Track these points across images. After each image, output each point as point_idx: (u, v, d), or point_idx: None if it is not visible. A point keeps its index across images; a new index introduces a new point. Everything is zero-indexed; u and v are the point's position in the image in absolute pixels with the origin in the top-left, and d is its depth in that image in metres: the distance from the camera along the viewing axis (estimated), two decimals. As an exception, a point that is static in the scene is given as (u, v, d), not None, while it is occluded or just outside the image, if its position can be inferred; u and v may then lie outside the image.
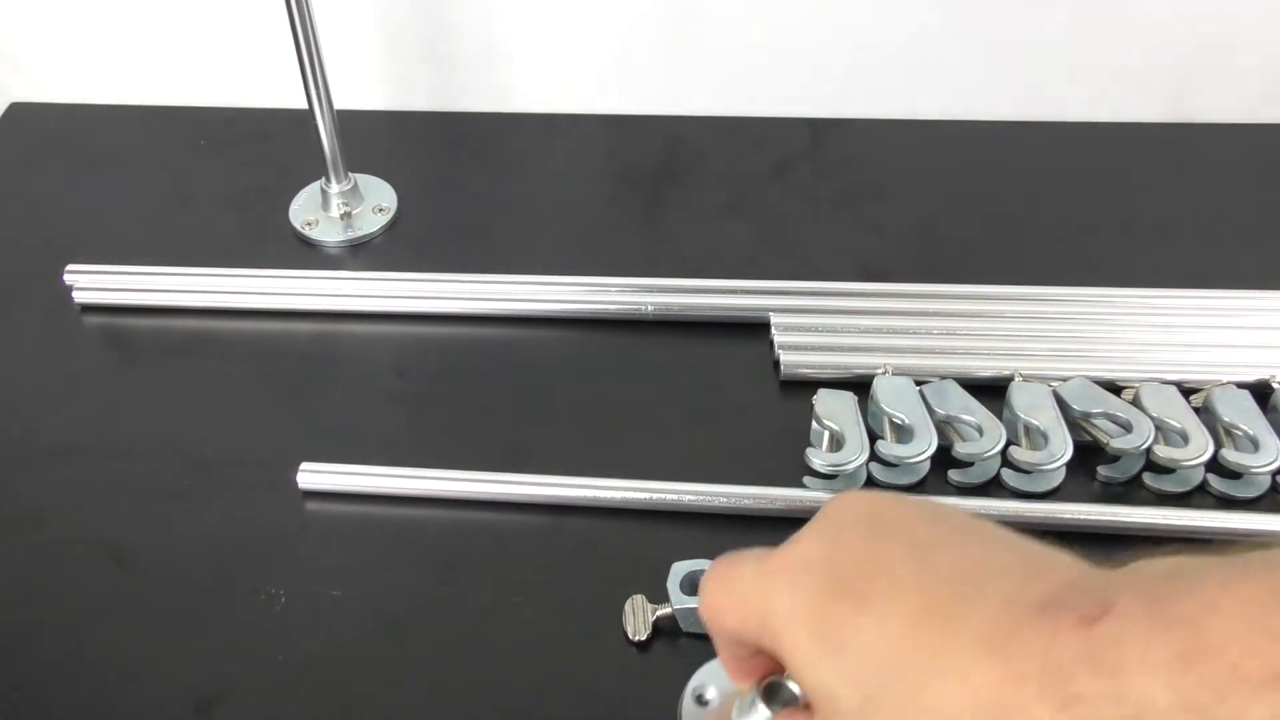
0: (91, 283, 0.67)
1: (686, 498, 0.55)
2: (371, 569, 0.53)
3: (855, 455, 0.55)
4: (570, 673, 0.49)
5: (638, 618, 0.50)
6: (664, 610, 0.50)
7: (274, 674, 0.50)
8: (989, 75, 0.79)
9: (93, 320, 0.67)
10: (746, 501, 0.55)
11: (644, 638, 0.49)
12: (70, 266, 0.68)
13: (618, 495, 0.55)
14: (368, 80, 0.82)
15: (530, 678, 0.49)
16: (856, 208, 0.74)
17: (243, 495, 0.57)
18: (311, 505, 0.56)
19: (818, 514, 0.35)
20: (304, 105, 0.68)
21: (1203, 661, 0.24)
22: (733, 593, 0.34)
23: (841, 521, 0.33)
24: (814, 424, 0.57)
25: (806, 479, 0.56)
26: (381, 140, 0.80)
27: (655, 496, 0.55)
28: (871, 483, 0.56)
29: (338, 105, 0.69)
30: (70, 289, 0.67)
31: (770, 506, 0.54)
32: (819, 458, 0.55)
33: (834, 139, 0.79)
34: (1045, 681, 0.26)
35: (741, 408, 0.61)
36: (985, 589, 0.29)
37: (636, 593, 0.51)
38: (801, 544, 0.33)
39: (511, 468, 0.57)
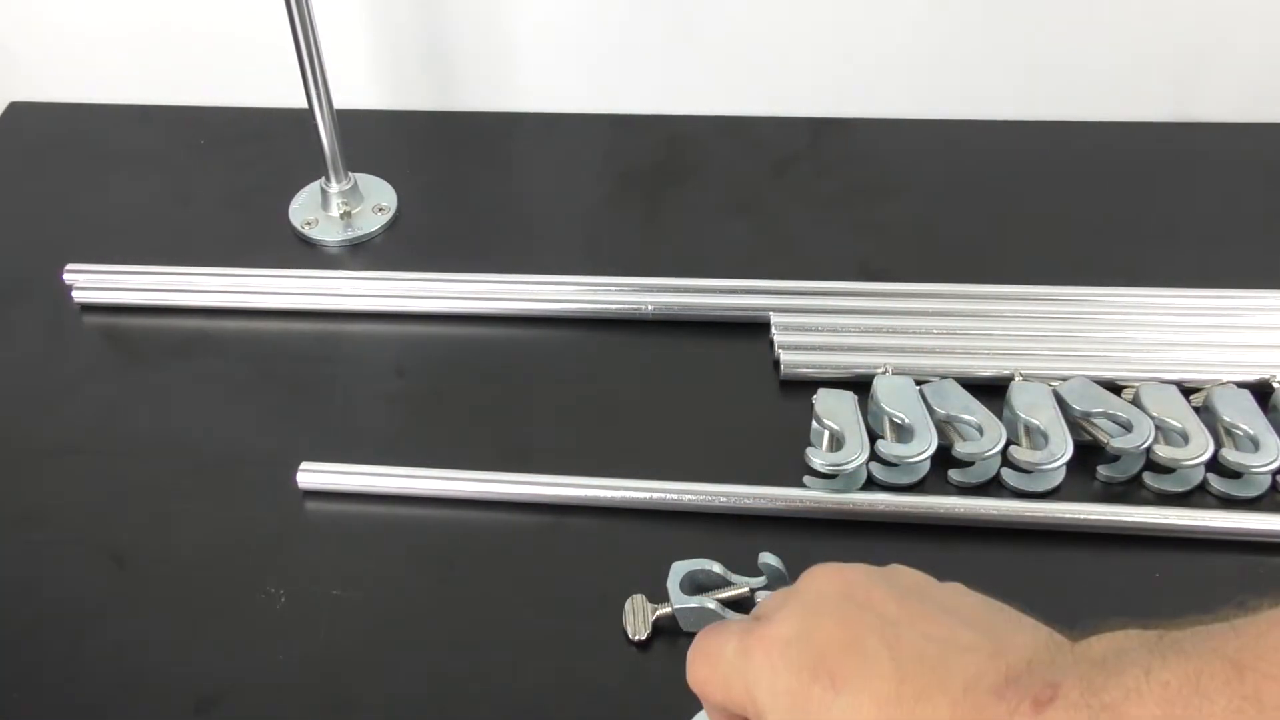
0: (91, 282, 0.67)
1: (686, 498, 0.55)
2: (371, 569, 0.53)
3: (855, 455, 0.55)
4: (570, 672, 0.49)
5: (638, 617, 0.50)
6: (664, 610, 0.50)
7: (274, 674, 0.49)
8: (989, 75, 0.79)
9: (93, 320, 0.67)
10: (746, 501, 0.55)
11: (644, 637, 0.49)
12: (70, 266, 0.68)
13: (618, 495, 0.55)
14: (368, 80, 0.82)
15: (530, 677, 0.49)
16: (856, 208, 0.74)
17: (243, 495, 0.57)
18: (311, 505, 0.56)
19: (793, 589, 0.37)
20: (304, 105, 0.68)
21: None
22: (716, 670, 0.36)
23: (816, 600, 0.35)
24: (814, 423, 0.57)
25: (806, 479, 0.56)
26: (381, 140, 0.80)
27: (655, 496, 0.55)
28: (871, 482, 0.56)
29: (338, 105, 0.69)
30: (70, 289, 0.67)
31: (770, 506, 0.54)
32: (819, 457, 0.55)
33: (834, 139, 0.79)
34: None
35: (741, 408, 0.61)
36: (950, 670, 0.31)
37: (637, 592, 0.51)
38: (777, 624, 0.35)
39: (511, 468, 0.57)
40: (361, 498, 0.56)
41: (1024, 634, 0.32)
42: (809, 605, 0.35)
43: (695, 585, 0.50)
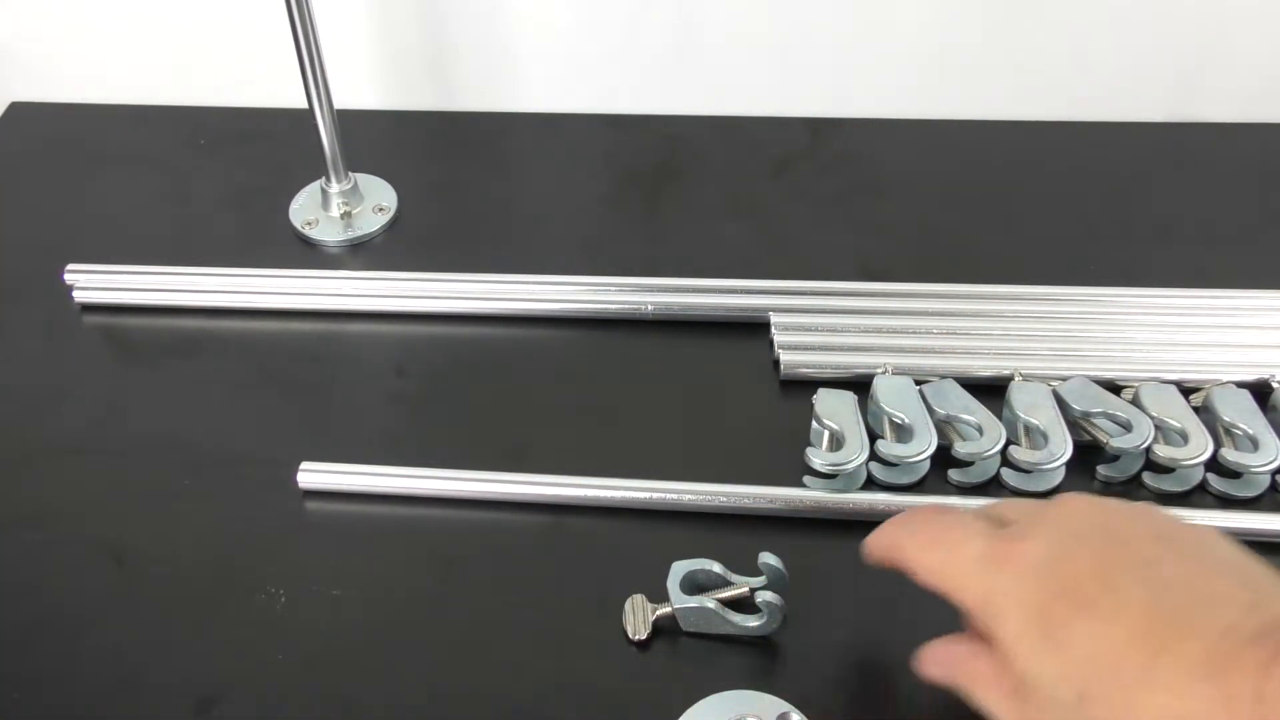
0: (91, 282, 0.68)
1: (686, 497, 0.55)
2: (371, 569, 0.53)
3: (855, 455, 0.55)
4: (570, 672, 0.49)
5: (637, 617, 0.50)
6: (664, 610, 0.50)
7: (274, 674, 0.49)
8: (989, 75, 0.79)
9: (93, 320, 0.67)
10: (746, 501, 0.55)
11: (644, 637, 0.49)
12: (70, 266, 0.68)
13: (618, 495, 0.55)
14: (368, 80, 0.82)
15: (530, 677, 0.49)
16: (856, 208, 0.74)
17: (243, 495, 0.57)
18: (311, 504, 0.56)
19: (1045, 510, 0.37)
20: (304, 105, 0.68)
21: None
22: (955, 564, 0.38)
23: (1074, 529, 0.36)
24: (814, 423, 0.57)
25: (806, 478, 0.56)
26: (381, 140, 0.80)
27: (655, 496, 0.55)
28: (871, 482, 0.56)
29: (338, 105, 0.69)
30: (70, 289, 0.67)
31: (770, 506, 0.54)
32: (819, 457, 0.55)
33: (834, 139, 0.79)
34: (1253, 708, 0.29)
35: (741, 407, 0.61)
36: (1207, 614, 0.31)
37: (637, 592, 0.51)
38: (1031, 542, 0.36)
39: (511, 468, 0.57)
40: (361, 497, 0.56)
41: None
42: (1065, 530, 0.36)
43: (695, 585, 0.50)
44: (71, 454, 0.59)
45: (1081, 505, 0.37)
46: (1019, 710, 0.36)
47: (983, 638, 0.37)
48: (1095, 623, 0.33)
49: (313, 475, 0.56)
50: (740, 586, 0.50)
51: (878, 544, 0.43)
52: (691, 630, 0.50)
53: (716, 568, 0.50)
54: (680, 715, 0.46)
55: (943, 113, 0.81)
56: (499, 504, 0.56)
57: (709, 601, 0.49)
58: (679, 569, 0.50)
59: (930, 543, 0.39)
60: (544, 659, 0.50)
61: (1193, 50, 0.77)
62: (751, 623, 0.49)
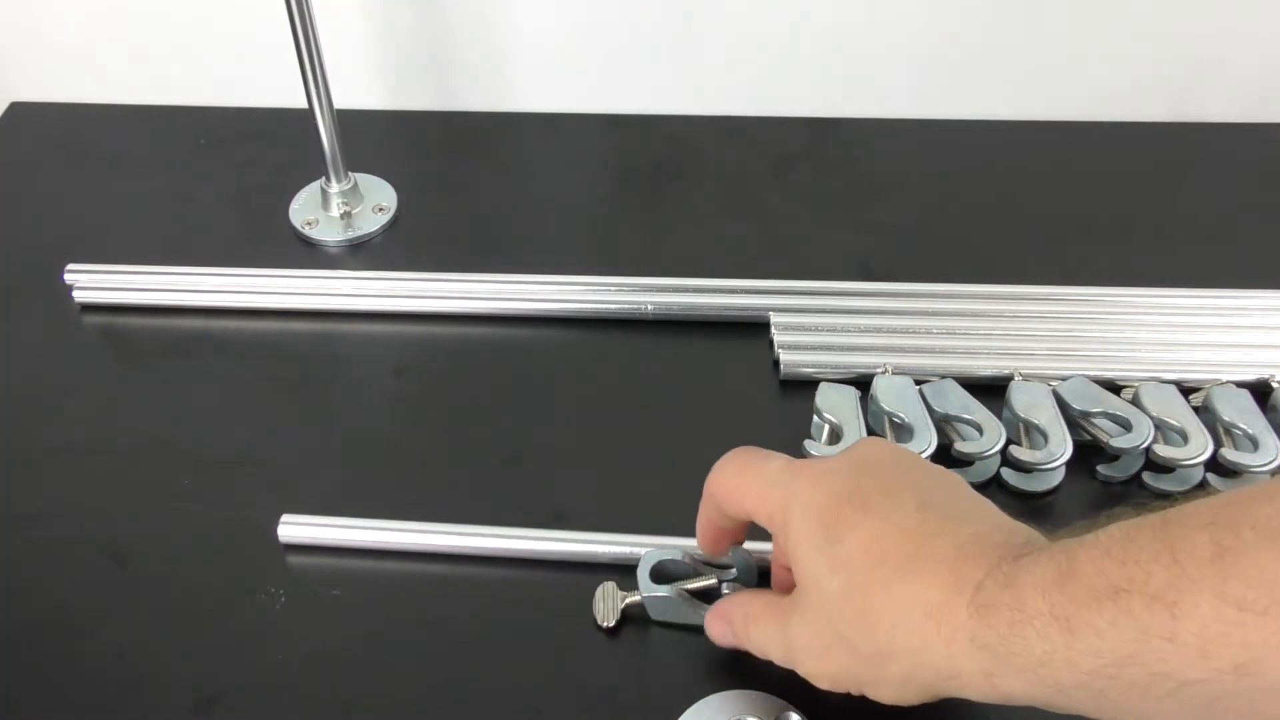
0: (91, 283, 0.68)
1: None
2: (371, 568, 0.53)
3: (854, 452, 0.55)
4: (568, 672, 0.49)
5: (607, 604, 0.50)
6: (633, 598, 0.50)
7: (274, 674, 0.49)
8: (989, 75, 0.79)
9: (93, 320, 0.67)
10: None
11: (612, 624, 0.50)
12: (70, 266, 0.68)
13: (622, 550, 0.53)
14: (368, 80, 0.82)
15: (530, 677, 0.49)
16: (856, 208, 0.74)
17: (243, 495, 0.57)
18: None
19: (848, 447, 0.44)
20: (304, 105, 0.68)
21: (1069, 581, 0.33)
22: (758, 479, 0.43)
23: (868, 456, 0.42)
24: (814, 417, 0.57)
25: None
26: (381, 140, 0.80)
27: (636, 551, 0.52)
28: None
29: (338, 105, 0.69)
30: (70, 289, 0.67)
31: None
32: (817, 450, 0.55)
33: (834, 139, 0.79)
34: (975, 593, 0.35)
35: (741, 408, 0.61)
36: (962, 524, 0.38)
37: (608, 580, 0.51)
38: (827, 461, 0.42)
39: (510, 467, 0.57)
40: (348, 550, 0.54)
41: (1027, 530, 0.39)
42: (859, 458, 0.42)
43: (665, 575, 0.50)
44: (71, 454, 0.59)
45: (879, 444, 0.44)
46: (784, 634, 0.42)
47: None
48: (872, 520, 0.38)
49: (293, 529, 0.54)
50: (709, 577, 0.50)
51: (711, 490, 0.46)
52: (660, 620, 0.50)
53: (688, 559, 0.50)
54: (680, 715, 0.46)
55: (943, 113, 0.81)
56: (498, 503, 0.56)
57: (675, 591, 0.49)
58: (650, 558, 0.50)
59: (736, 469, 0.44)
60: (544, 658, 0.50)
61: (1193, 50, 0.77)
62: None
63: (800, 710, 0.46)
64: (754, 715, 0.46)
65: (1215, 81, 0.79)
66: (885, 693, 0.40)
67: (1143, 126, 0.80)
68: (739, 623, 0.45)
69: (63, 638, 0.51)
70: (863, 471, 0.41)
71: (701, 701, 0.47)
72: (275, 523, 0.55)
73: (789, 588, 0.43)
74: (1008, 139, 0.79)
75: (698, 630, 0.49)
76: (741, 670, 0.48)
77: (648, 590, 0.49)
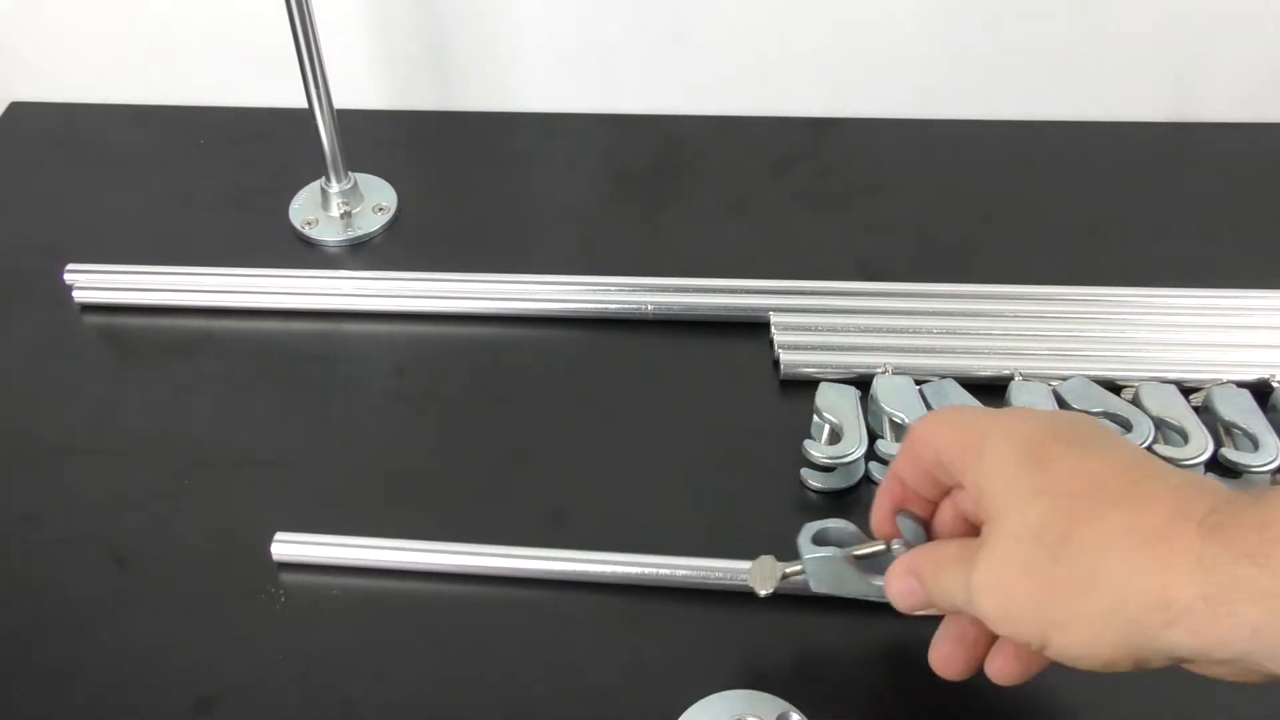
0: (91, 282, 0.68)
1: (714, 576, 0.51)
2: (366, 584, 0.53)
3: (854, 448, 0.55)
4: (569, 671, 0.49)
5: (765, 572, 0.47)
6: (794, 567, 0.47)
7: (274, 674, 0.50)
8: (989, 75, 0.79)
9: (93, 320, 0.67)
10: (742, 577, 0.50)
11: (769, 592, 0.47)
12: (70, 266, 0.68)
13: (633, 571, 0.52)
14: (368, 80, 0.82)
15: (531, 677, 0.49)
16: (856, 208, 0.74)
17: (243, 495, 0.57)
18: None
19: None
20: (304, 105, 0.68)
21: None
22: (957, 416, 0.42)
23: (1072, 414, 0.44)
24: (814, 417, 0.57)
25: (804, 471, 0.56)
26: (381, 140, 0.80)
27: (663, 573, 0.51)
28: (870, 481, 0.56)
29: (338, 105, 0.69)
30: (70, 289, 0.67)
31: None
32: (816, 449, 0.55)
33: (834, 139, 0.79)
34: (1206, 514, 0.34)
35: (741, 407, 0.61)
36: (1171, 475, 0.37)
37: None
38: (1030, 409, 0.44)
39: (510, 467, 0.57)
40: (344, 571, 0.54)
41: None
42: (1063, 413, 0.44)
43: (827, 543, 0.47)
44: (72, 454, 0.59)
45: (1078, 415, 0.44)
46: (968, 572, 0.38)
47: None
48: (1083, 453, 0.37)
49: (286, 547, 0.54)
50: (878, 543, 0.46)
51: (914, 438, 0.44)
52: (822, 591, 0.47)
53: (851, 527, 0.47)
54: (680, 715, 0.46)
55: (943, 113, 0.81)
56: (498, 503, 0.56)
57: (842, 553, 0.45)
58: (811, 526, 0.47)
59: (940, 414, 0.44)
60: (544, 658, 0.50)
61: (1193, 50, 0.77)
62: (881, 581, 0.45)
63: (800, 710, 0.46)
64: (754, 715, 0.46)
65: (1215, 81, 0.79)
66: (1077, 636, 0.35)
67: (1143, 126, 0.80)
68: (929, 571, 0.41)
69: (63, 638, 0.51)
70: (1069, 420, 0.41)
71: (701, 701, 0.47)
72: (274, 522, 0.55)
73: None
74: (1008, 139, 0.79)
75: (729, 639, 0.47)
76: (742, 670, 0.48)
77: (809, 552, 0.46)
